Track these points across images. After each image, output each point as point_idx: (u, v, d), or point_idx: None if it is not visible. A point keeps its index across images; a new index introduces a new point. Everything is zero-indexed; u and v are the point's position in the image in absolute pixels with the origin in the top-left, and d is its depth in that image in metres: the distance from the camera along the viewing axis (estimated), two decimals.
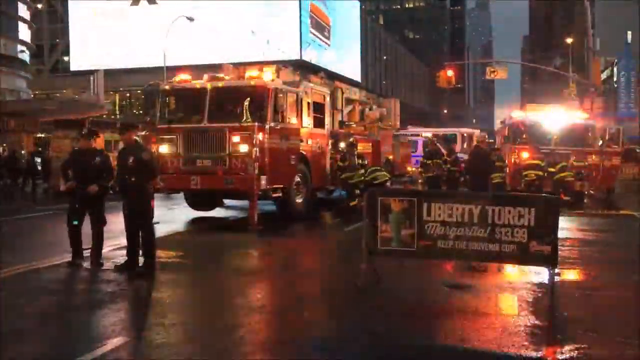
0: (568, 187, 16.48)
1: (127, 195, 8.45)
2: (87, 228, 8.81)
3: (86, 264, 8.72)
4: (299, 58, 53.49)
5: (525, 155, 17.08)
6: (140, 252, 8.38)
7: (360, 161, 15.68)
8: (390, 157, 20.02)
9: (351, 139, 16.18)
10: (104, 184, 8.71)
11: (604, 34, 46.41)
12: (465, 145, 28.67)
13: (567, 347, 5.30)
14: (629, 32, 43.07)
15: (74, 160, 9.02)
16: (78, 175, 8.70)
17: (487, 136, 17.74)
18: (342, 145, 16.31)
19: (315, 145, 15.12)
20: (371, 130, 18.66)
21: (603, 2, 52.16)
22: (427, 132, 29.57)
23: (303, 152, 14.27)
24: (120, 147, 9.60)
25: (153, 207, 13.45)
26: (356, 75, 70.00)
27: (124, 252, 8.64)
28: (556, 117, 18.62)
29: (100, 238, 8.82)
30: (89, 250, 8.82)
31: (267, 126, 12.71)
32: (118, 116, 52.98)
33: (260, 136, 12.51)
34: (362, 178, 15.19)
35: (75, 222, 8.63)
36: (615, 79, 45.55)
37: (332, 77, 27.50)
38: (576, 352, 5.21)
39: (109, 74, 36.29)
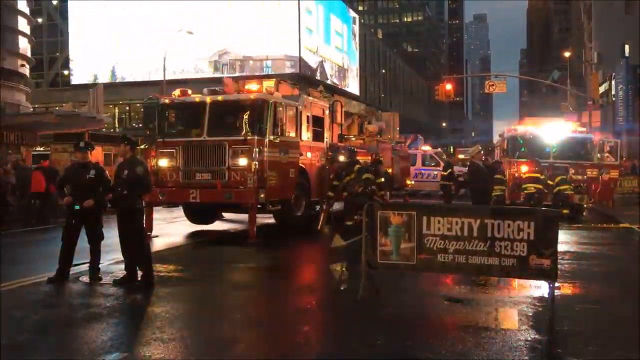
0: (567, 200, 16.47)
1: (119, 208, 8.46)
2: (85, 243, 8.79)
3: (84, 279, 8.70)
4: (298, 71, 53.69)
5: (524, 168, 17.07)
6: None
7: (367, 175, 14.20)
8: (389, 170, 20.03)
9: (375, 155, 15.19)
10: (99, 198, 8.62)
11: (602, 47, 46.62)
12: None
13: None
14: (627, 46, 43.25)
15: (70, 174, 8.98)
16: (74, 189, 8.66)
17: (481, 149, 17.35)
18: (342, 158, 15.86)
19: (315, 158, 15.13)
20: (370, 144, 18.67)
21: (600, 16, 52.47)
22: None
23: (302, 165, 14.28)
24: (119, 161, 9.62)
25: (152, 221, 13.42)
26: (355, 89, 70.28)
27: (123, 266, 8.63)
28: (554, 131, 18.69)
29: (98, 253, 8.77)
30: (87, 265, 8.81)
31: (266, 139, 12.73)
32: (117, 129, 53.08)
33: (259, 149, 12.54)
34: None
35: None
36: (613, 92, 45.71)
37: (331, 90, 27.63)
38: None
39: (108, 87, 36.37)
